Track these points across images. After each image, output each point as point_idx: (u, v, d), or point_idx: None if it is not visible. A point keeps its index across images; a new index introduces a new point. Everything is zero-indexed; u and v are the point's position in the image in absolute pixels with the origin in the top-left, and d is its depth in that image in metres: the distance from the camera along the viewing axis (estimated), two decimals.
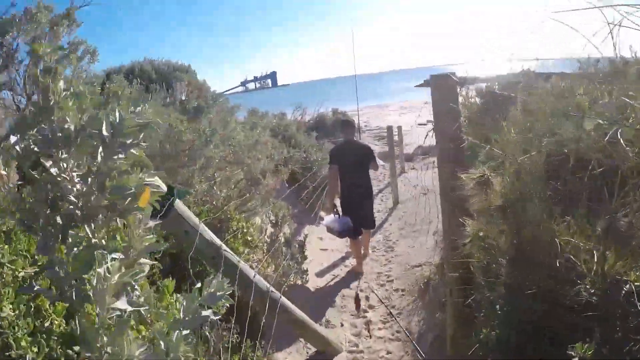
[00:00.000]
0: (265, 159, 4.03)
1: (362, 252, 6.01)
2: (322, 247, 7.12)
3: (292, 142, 9.56)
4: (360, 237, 5.74)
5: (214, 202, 3.70)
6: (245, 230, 3.35)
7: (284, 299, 2.87)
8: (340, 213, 5.57)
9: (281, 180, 4.81)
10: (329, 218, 5.66)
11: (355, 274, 5.74)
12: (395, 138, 11.04)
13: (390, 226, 8.02)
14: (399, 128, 13.03)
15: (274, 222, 3.97)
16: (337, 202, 5.86)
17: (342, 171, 5.49)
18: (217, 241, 2.38)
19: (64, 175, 1.10)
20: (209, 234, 2.35)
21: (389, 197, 10.26)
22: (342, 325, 4.54)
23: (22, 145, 1.10)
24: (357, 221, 5.51)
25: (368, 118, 25.41)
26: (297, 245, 4.22)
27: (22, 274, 1.29)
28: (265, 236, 3.86)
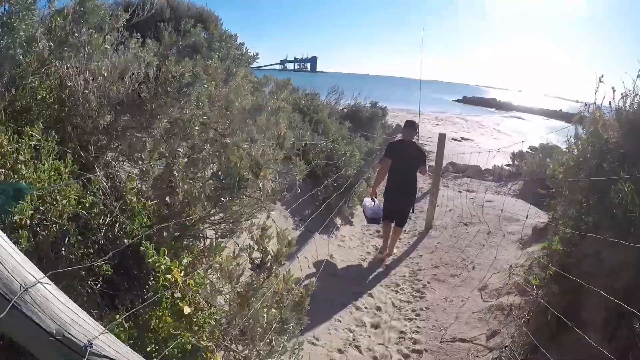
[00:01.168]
0: (268, 141, 2.19)
1: (387, 251, 6.17)
2: (331, 270, 5.48)
3: (319, 128, 7.84)
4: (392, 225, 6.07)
5: (167, 201, 2.05)
6: (178, 282, 1.56)
7: None
8: (377, 202, 6.19)
9: (292, 182, 3.14)
10: (368, 200, 6.37)
11: (378, 262, 6.09)
12: (428, 148, 9.53)
13: (420, 258, 6.31)
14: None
15: (259, 260, 2.14)
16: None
17: (394, 166, 5.81)
18: None
19: None
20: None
21: (419, 216, 8.56)
22: None
23: None
24: (393, 215, 6.00)
25: (401, 121, 23.97)
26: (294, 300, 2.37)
27: None
28: (237, 286, 2.04)
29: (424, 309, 4.72)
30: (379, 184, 6.23)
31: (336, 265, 5.81)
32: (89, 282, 2.10)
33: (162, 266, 1.55)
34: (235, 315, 2.00)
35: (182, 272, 1.73)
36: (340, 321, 4.38)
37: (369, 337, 4.16)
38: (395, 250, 6.37)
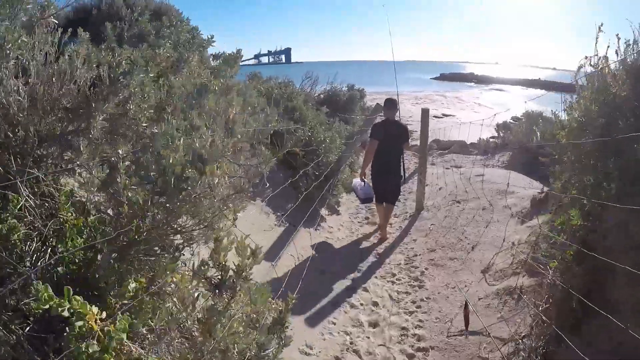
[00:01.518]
0: (218, 129, 1.72)
1: (384, 231, 6.20)
2: (320, 266, 5.07)
3: (295, 115, 7.40)
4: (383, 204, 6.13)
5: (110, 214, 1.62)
6: (95, 329, 1.08)
7: None
8: (367, 182, 6.25)
9: (270, 175, 2.61)
10: (357, 181, 6.45)
11: (380, 240, 6.12)
12: (410, 127, 9.13)
13: (415, 243, 5.92)
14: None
15: (217, 279, 1.63)
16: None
17: (379, 146, 5.82)
18: None
19: None
20: None
21: (409, 197, 8.16)
22: None
23: None
24: (383, 193, 6.08)
25: (381, 100, 23.85)
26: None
27: None
28: (193, 313, 1.54)
29: (425, 299, 4.33)
30: (367, 165, 6.19)
31: (324, 259, 5.40)
32: (15, 324, 1.66)
33: (66, 312, 1.11)
34: (197, 350, 1.57)
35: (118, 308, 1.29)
36: (334, 323, 3.96)
37: (368, 338, 3.75)
38: (387, 237, 6.22)
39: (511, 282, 3.87)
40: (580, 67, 3.14)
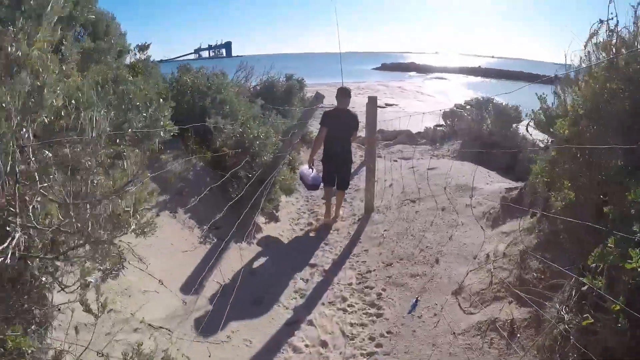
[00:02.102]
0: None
1: (333, 215, 6.26)
2: (254, 292, 4.09)
3: (225, 109, 6.39)
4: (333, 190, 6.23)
5: None
6: None
7: None
8: (315, 169, 6.28)
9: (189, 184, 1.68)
10: (305, 168, 6.41)
11: (325, 227, 6.05)
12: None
13: (367, 254, 5.03)
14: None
15: None
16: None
17: (330, 134, 5.85)
18: None
19: None
20: None
21: (355, 196, 7.28)
22: None
23: None
24: (334, 180, 6.12)
25: (320, 90, 23.24)
26: None
27: None
28: None
29: (386, 334, 3.41)
30: (316, 152, 6.28)
31: (261, 282, 4.43)
32: None
33: None
34: None
35: None
36: None
37: None
38: (339, 217, 6.34)
39: (494, 310, 3.03)
40: (592, 36, 2.30)
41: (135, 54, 6.08)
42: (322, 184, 6.32)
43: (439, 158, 10.76)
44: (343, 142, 6.01)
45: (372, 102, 6.32)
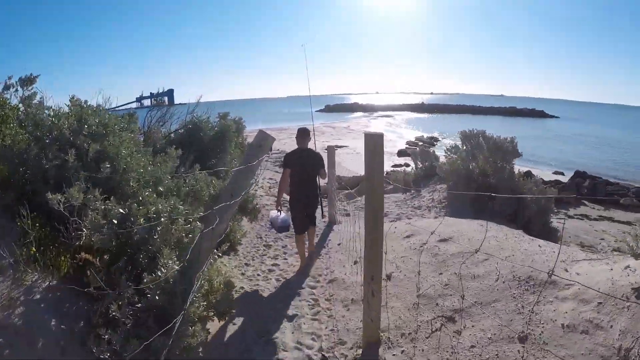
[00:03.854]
0: None
1: (307, 248, 6.05)
2: None
3: (104, 169, 3.71)
4: (305, 232, 5.94)
5: None
6: None
7: None
8: (282, 212, 5.94)
9: None
10: (274, 213, 6.16)
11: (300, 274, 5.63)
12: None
13: None
14: (332, 152, 7.74)
15: None
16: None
17: (294, 174, 5.73)
18: None
19: None
20: None
21: (337, 293, 4.69)
22: None
23: None
24: (304, 220, 5.84)
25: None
26: None
27: None
28: None
29: None
30: (282, 194, 5.96)
31: None
32: None
33: None
34: None
35: None
36: None
37: None
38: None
39: None
40: None
41: (17, 90, 4.55)
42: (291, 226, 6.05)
43: (429, 212, 8.31)
44: (308, 182, 5.81)
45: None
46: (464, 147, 9.04)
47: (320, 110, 75.87)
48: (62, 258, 3.14)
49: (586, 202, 15.30)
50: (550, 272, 2.30)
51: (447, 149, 9.57)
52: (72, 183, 3.37)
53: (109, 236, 3.04)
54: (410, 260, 4.45)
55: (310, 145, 5.90)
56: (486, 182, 8.37)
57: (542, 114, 77.91)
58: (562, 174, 22.66)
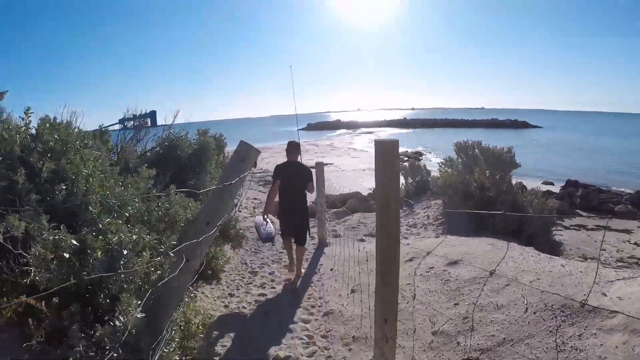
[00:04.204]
0: None
1: (295, 272, 5.84)
2: None
3: (60, 191, 3.15)
4: (293, 242, 5.98)
5: None
6: None
7: None
8: (269, 221, 6.02)
9: None
10: (259, 219, 6.31)
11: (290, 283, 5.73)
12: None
13: None
14: (321, 169, 7.25)
15: None
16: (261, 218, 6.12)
17: (283, 186, 5.82)
18: None
19: None
20: None
21: (333, 328, 4.13)
22: None
23: None
24: (290, 229, 5.89)
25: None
26: None
27: None
28: None
29: None
30: (271, 205, 6.04)
31: None
32: None
33: None
34: None
35: None
36: None
37: None
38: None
39: None
40: None
41: None
42: (278, 235, 6.32)
43: (425, 230, 7.80)
44: (297, 194, 5.88)
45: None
46: (459, 160, 8.58)
47: (303, 129, 75.74)
48: (5, 299, 2.57)
49: (581, 212, 15.00)
50: (583, 302, 1.80)
51: (442, 162, 9.08)
52: (20, 208, 2.83)
53: (59, 274, 2.47)
54: (417, 288, 3.91)
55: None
56: (485, 195, 7.91)
57: (524, 125, 78.52)
58: (552, 184, 22.46)
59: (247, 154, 2.72)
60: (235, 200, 2.87)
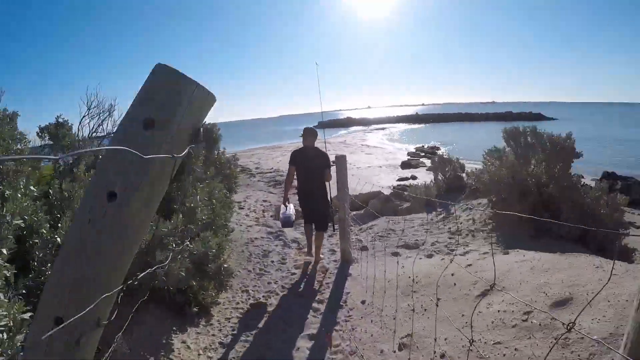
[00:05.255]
0: None
1: (314, 257, 5.93)
2: None
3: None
4: (312, 226, 6.02)
5: None
6: None
7: None
8: (291, 207, 5.83)
9: None
10: (283, 207, 5.90)
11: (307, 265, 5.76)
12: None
13: None
14: (342, 161, 5.72)
15: None
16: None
17: (300, 172, 5.81)
18: None
19: None
20: None
21: None
22: None
23: None
24: (310, 214, 5.93)
25: (259, 159, 20.41)
26: None
27: None
28: None
29: None
30: (289, 190, 5.98)
31: None
32: None
33: None
34: None
35: None
36: None
37: None
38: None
39: None
40: None
41: None
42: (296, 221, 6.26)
43: (473, 237, 6.21)
44: (315, 180, 5.72)
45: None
46: (509, 149, 6.96)
47: (314, 127, 74.86)
48: None
49: (625, 209, 13.29)
50: None
51: (487, 152, 7.42)
52: None
53: None
54: (515, 351, 2.35)
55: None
56: (544, 192, 6.32)
57: (539, 117, 76.20)
58: (582, 176, 20.73)
59: (171, 86, 1.13)
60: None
